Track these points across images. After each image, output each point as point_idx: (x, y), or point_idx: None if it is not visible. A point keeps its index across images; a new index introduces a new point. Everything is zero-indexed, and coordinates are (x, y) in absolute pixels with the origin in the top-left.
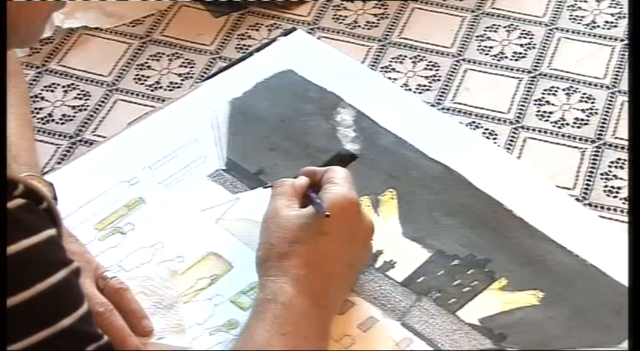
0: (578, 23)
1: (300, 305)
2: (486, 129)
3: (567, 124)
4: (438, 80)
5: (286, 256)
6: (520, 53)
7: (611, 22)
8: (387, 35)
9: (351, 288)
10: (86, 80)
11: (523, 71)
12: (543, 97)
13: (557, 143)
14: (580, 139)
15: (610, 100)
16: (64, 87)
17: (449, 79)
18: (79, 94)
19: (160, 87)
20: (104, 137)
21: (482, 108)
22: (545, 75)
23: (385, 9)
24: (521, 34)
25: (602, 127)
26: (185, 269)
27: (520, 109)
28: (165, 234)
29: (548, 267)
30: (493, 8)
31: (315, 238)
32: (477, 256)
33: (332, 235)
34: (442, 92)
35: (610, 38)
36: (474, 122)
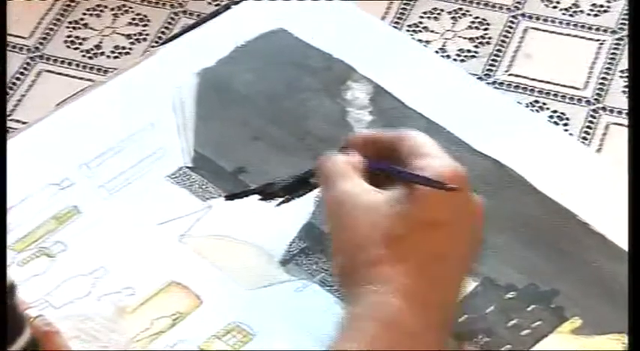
0: None
1: (409, 324)
2: (554, 111)
3: None
4: (488, 43)
5: (384, 261)
6: (601, 6)
7: None
8: None
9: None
10: None
11: (605, 31)
12: None
13: None
14: None
15: None
16: None
17: (502, 41)
18: None
19: (102, 53)
20: (25, 123)
21: (549, 82)
22: None
23: None
24: None
25: None
26: (137, 305)
27: (601, 83)
28: (108, 257)
29: None
30: None
31: (423, 231)
32: (541, 287)
33: (446, 225)
34: (493, 60)
35: None
36: (536, 102)
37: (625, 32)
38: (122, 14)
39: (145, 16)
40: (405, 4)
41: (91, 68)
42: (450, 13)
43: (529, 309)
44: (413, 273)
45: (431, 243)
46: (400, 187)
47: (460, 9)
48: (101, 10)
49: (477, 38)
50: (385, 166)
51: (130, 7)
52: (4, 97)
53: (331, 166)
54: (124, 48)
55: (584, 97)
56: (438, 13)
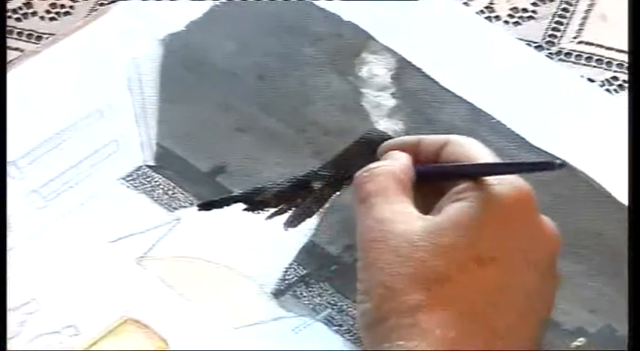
0: None
1: None
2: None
3: None
4: (551, 1)
5: (422, 308)
6: None
7: None
8: None
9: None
10: None
11: None
12: None
13: None
14: None
15: None
16: None
17: None
18: None
19: (33, 13)
20: None
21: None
22: None
23: None
24: None
25: None
26: (83, 349)
27: None
28: (44, 286)
29: None
30: None
31: (473, 269)
32: (619, 331)
33: (501, 260)
34: (558, 23)
35: None
36: (614, 79)
37: None
38: None
39: None
40: None
41: (20, 34)
42: None
43: None
44: (459, 323)
45: (483, 284)
46: (449, 210)
47: None
48: None
49: None
50: (442, 167)
51: None
52: (5, 93)
53: (367, 181)
54: (62, 6)
55: None
56: None
